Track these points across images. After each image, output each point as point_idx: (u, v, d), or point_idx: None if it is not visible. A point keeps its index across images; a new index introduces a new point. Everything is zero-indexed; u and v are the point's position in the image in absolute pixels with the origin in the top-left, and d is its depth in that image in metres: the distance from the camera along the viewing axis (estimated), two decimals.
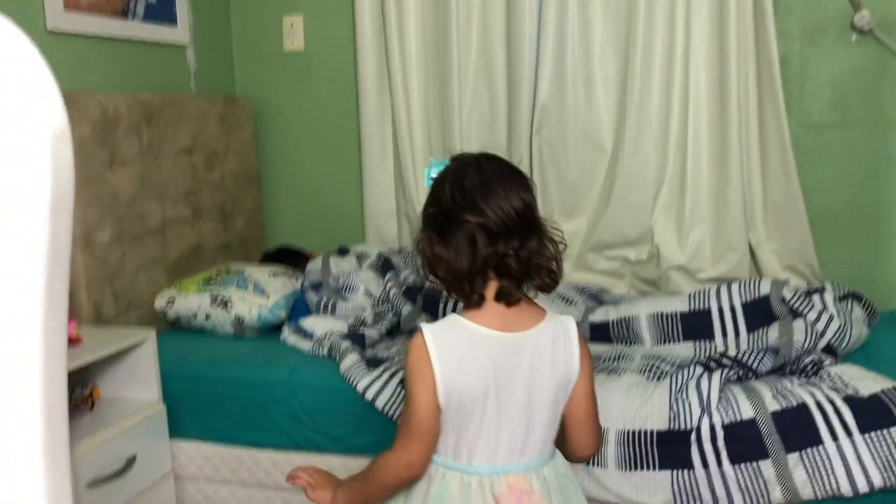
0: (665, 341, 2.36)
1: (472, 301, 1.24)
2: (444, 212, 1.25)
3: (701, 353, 2.26)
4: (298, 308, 2.80)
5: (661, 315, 2.39)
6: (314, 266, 2.86)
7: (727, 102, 2.75)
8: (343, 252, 3.01)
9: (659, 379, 2.04)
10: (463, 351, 1.24)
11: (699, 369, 1.99)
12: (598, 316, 2.48)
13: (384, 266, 2.85)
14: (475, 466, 1.28)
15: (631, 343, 2.40)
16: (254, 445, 2.33)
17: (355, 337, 2.41)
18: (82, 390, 2.30)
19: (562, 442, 1.38)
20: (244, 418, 2.32)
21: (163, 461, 2.36)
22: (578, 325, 1.48)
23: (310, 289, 2.78)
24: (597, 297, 2.69)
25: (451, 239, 1.22)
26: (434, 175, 1.37)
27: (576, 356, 1.30)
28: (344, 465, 2.23)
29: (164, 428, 2.36)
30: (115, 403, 2.33)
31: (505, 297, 1.24)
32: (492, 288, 1.24)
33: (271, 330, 2.70)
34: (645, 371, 2.09)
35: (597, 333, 2.44)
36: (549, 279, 1.27)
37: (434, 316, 2.55)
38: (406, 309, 2.65)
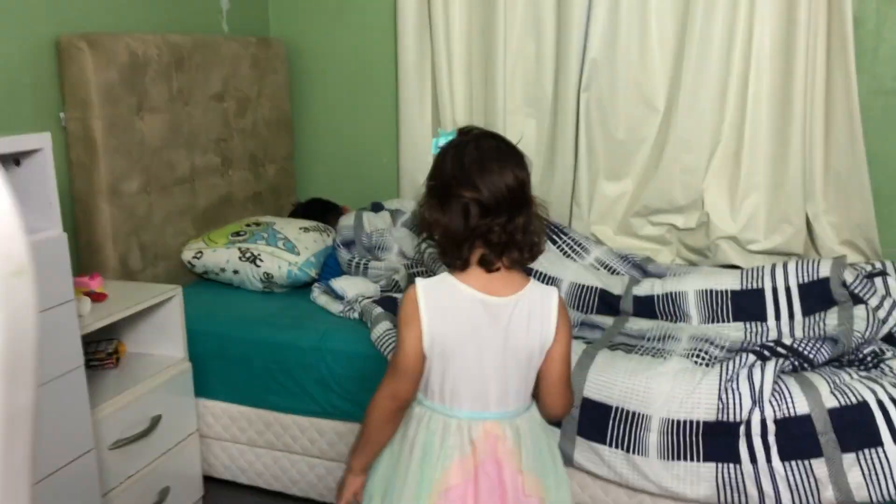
0: (713, 320, 2.24)
1: (456, 264, 1.40)
2: (444, 185, 1.38)
3: (752, 335, 2.13)
4: (329, 265, 2.71)
5: (711, 292, 2.26)
6: (346, 222, 2.76)
7: (793, 62, 2.55)
8: (377, 208, 2.90)
9: (708, 365, 1.92)
10: (447, 304, 1.39)
11: (751, 357, 1.87)
12: (643, 289, 2.35)
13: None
14: (456, 411, 1.42)
15: (677, 320, 2.28)
16: (281, 410, 2.27)
17: (387, 302, 2.31)
18: (107, 346, 2.25)
19: (537, 401, 1.50)
20: (272, 381, 2.26)
21: (188, 421, 2.32)
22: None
23: (342, 246, 2.68)
24: (641, 268, 2.56)
25: (448, 209, 1.36)
26: (441, 145, 1.46)
27: (552, 323, 1.41)
28: None
29: (189, 387, 2.30)
30: (140, 360, 2.28)
31: (485, 264, 1.38)
32: (476, 255, 1.38)
33: (301, 286, 2.62)
34: (693, 355, 1.97)
35: (641, 307, 2.32)
36: (528, 254, 1.40)
37: None
38: (441, 271, 2.53)
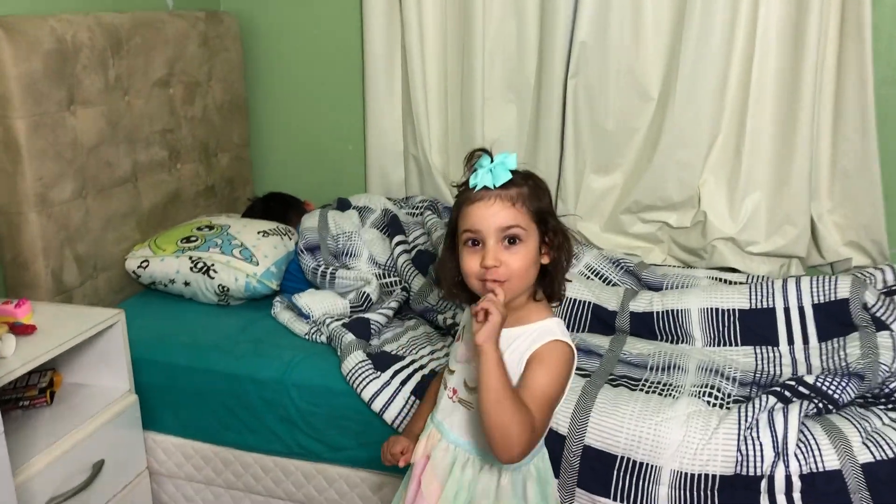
0: (720, 342, 2.03)
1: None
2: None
3: (764, 362, 1.93)
4: (292, 271, 2.44)
5: (716, 311, 2.05)
6: (309, 223, 2.48)
7: (801, 47, 2.31)
8: (343, 205, 2.63)
9: (722, 406, 1.72)
10: None
11: (772, 400, 1.67)
12: (641, 304, 2.13)
13: (391, 225, 2.48)
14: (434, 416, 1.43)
15: (679, 340, 2.07)
16: (241, 447, 2.03)
17: (359, 325, 2.06)
18: (40, 380, 1.98)
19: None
20: (230, 417, 2.01)
21: (136, 460, 2.06)
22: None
23: (305, 251, 2.41)
24: (635, 275, 2.34)
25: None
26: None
27: (525, 358, 1.29)
28: (345, 479, 1.95)
29: (136, 422, 2.05)
30: (78, 393, 2.01)
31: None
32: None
33: (260, 298, 2.35)
34: (703, 393, 1.76)
35: (639, 325, 2.11)
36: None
37: None
38: (417, 282, 2.29)
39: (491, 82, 2.66)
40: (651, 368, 1.92)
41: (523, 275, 1.29)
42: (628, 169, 2.63)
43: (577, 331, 2.15)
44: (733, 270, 2.48)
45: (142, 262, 2.35)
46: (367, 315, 2.13)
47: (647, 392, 1.78)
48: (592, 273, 2.33)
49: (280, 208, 2.69)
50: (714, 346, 2.04)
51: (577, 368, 1.87)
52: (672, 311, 2.09)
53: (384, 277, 2.36)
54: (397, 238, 2.42)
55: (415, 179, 2.87)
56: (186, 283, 2.31)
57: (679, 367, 1.90)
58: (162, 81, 2.50)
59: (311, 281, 2.39)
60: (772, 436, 1.60)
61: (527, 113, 2.66)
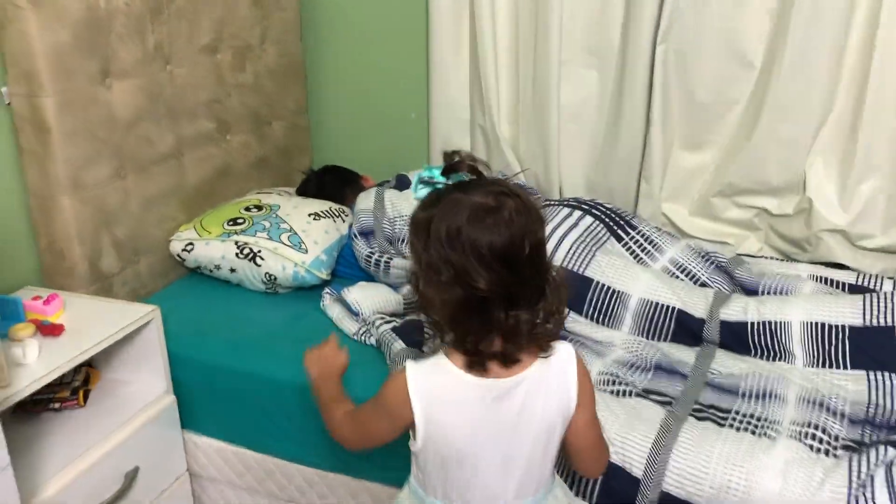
0: (825, 362, 1.75)
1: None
2: (447, 264, 1.12)
3: (879, 394, 1.65)
4: (345, 256, 2.26)
5: (822, 327, 1.77)
6: (364, 204, 2.27)
7: None
8: (402, 183, 2.40)
9: (828, 453, 1.46)
10: (449, 398, 1.18)
11: (892, 452, 1.40)
12: (734, 311, 1.86)
13: None
14: None
15: (776, 357, 1.80)
16: (283, 456, 1.88)
17: (410, 328, 1.86)
18: (74, 377, 1.86)
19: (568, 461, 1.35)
20: (270, 424, 1.86)
21: (175, 463, 1.94)
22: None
23: (359, 235, 2.21)
24: (728, 272, 2.06)
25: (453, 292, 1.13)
26: (426, 180, 1.24)
27: (573, 390, 1.21)
28: (390, 496, 1.77)
29: (175, 424, 1.92)
30: (113, 393, 1.89)
31: (505, 361, 1.18)
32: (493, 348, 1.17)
33: (311, 287, 2.18)
34: (806, 435, 1.50)
35: (730, 336, 1.84)
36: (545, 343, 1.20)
37: None
38: None
39: (569, 44, 2.37)
40: (743, 395, 1.66)
41: None
42: (723, 146, 2.32)
43: (659, 339, 1.90)
44: (841, 267, 2.17)
45: (186, 245, 2.19)
46: (421, 315, 1.92)
47: (738, 429, 1.53)
48: (678, 269, 2.06)
49: (336, 185, 2.49)
50: (818, 367, 1.76)
51: (657, 394, 1.64)
52: (770, 322, 1.81)
53: None
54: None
55: (482, 151, 2.62)
56: (232, 270, 2.15)
57: (777, 396, 1.64)
58: (208, 47, 2.30)
59: (364, 270, 2.19)
60: (890, 497, 1.34)
61: (609, 80, 2.36)
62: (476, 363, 1.15)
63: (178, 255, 2.21)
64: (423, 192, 1.17)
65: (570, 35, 2.36)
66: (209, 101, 2.32)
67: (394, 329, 1.86)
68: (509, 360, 1.15)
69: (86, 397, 1.84)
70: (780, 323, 1.80)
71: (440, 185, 1.17)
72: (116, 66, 1.99)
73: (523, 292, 1.10)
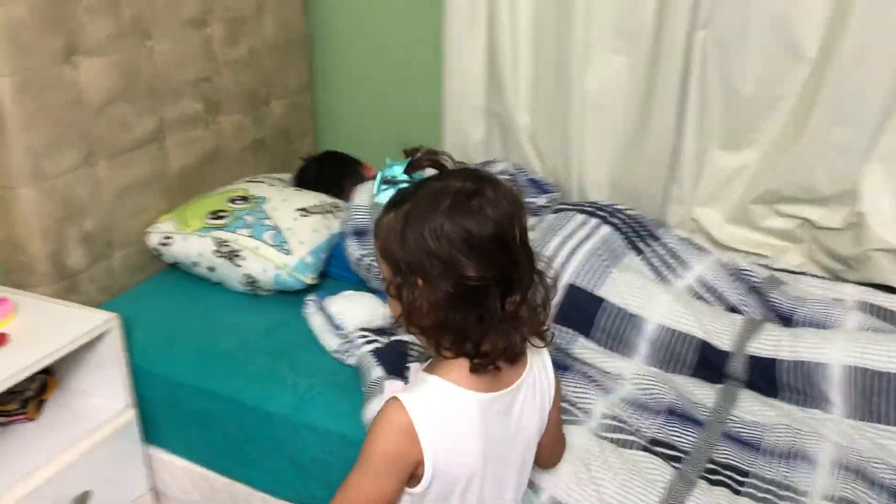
0: (868, 415, 1.50)
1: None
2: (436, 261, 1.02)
3: None
4: (337, 256, 2.06)
5: (868, 373, 1.52)
6: (360, 199, 2.06)
7: None
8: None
9: None
10: (458, 425, 1.05)
11: None
12: (764, 344, 1.62)
13: None
14: None
15: (809, 403, 1.56)
16: (251, 484, 1.71)
17: (392, 352, 1.65)
18: (28, 386, 1.70)
19: None
20: (236, 450, 1.68)
21: (134, 484, 1.78)
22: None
23: (352, 235, 2.00)
24: (761, 294, 1.81)
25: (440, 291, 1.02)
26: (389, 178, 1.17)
27: (553, 387, 1.17)
28: None
29: (135, 442, 1.76)
30: (70, 405, 1.74)
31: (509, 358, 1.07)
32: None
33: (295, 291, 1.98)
34: None
35: (758, 374, 1.61)
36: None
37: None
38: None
39: (595, 26, 2.10)
40: (766, 452, 1.43)
41: None
42: (766, 147, 2.05)
43: (676, 372, 1.67)
44: (893, 290, 1.90)
45: (164, 239, 2.01)
46: (407, 337, 1.71)
47: (757, 499, 1.30)
48: (705, 289, 1.81)
49: (334, 174, 2.29)
50: (860, 419, 1.51)
51: (666, 446, 1.42)
52: (805, 363, 1.57)
53: None
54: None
55: (497, 141, 2.38)
56: (211, 269, 1.97)
57: (806, 458, 1.40)
58: (196, 20, 2.09)
59: (355, 273, 1.99)
60: None
61: (639, 68, 2.10)
62: (481, 366, 1.03)
63: (155, 249, 2.03)
64: (388, 193, 1.08)
65: (597, 15, 2.09)
66: (196, 79, 2.12)
67: (376, 351, 1.65)
68: (514, 356, 1.06)
69: (39, 409, 1.69)
70: (818, 364, 1.56)
71: (404, 185, 1.08)
72: (85, 42, 1.80)
73: (517, 277, 1.01)
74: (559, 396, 1.21)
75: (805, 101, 1.94)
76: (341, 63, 2.56)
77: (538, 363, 1.15)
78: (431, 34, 2.36)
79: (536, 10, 2.18)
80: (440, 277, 0.98)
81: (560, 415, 1.27)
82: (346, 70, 2.56)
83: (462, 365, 1.03)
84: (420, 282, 1.00)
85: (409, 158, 1.10)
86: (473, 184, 1.00)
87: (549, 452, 1.28)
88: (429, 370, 1.07)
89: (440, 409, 1.04)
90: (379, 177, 1.04)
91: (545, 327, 1.09)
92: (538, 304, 1.05)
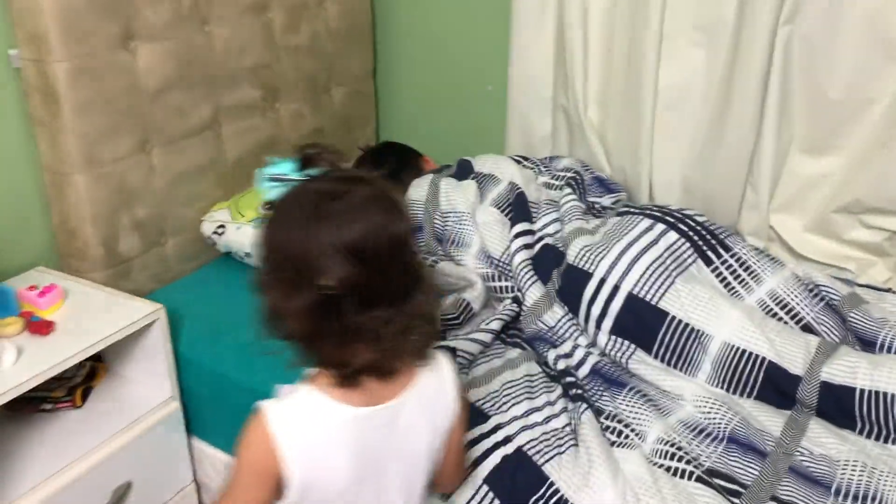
0: None
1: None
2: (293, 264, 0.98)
3: None
4: None
5: None
6: (417, 193, 2.00)
7: None
8: (463, 170, 2.10)
9: None
10: (327, 439, 1.00)
11: None
12: (839, 371, 1.49)
13: (516, 206, 1.94)
14: None
15: (889, 439, 1.43)
16: None
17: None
18: (77, 372, 1.70)
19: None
20: None
21: (178, 476, 1.77)
22: None
23: None
24: (839, 314, 1.68)
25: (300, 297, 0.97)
26: (273, 176, 1.01)
27: (455, 405, 1.11)
28: None
29: (179, 433, 1.74)
30: (116, 394, 1.73)
31: (378, 374, 1.01)
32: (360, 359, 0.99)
33: None
34: None
35: (831, 403, 1.48)
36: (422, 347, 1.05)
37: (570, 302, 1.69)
38: (533, 293, 1.76)
39: (673, 17, 1.97)
40: (838, 492, 1.31)
41: None
42: (854, 154, 1.89)
43: (742, 395, 1.55)
44: None
45: (218, 228, 1.99)
46: (456, 341, 1.64)
47: None
48: (778, 304, 1.68)
49: (393, 165, 2.22)
50: None
51: (725, 478, 1.32)
52: (886, 394, 1.44)
53: (495, 279, 1.84)
54: (519, 227, 1.88)
55: (563, 136, 2.28)
56: None
57: (883, 500, 1.28)
58: (256, 5, 2.05)
59: None
60: None
61: (718, 63, 1.96)
62: (347, 380, 0.98)
63: (209, 238, 2.01)
64: (276, 191, 1.00)
65: (675, 5, 1.96)
66: (255, 66, 2.08)
67: None
68: (384, 372, 1.00)
69: (84, 397, 1.69)
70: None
71: (294, 182, 1.00)
72: (142, 27, 1.77)
73: (380, 291, 0.95)
74: (465, 418, 1.16)
75: None
76: (406, 50, 2.49)
77: (432, 379, 1.08)
78: (499, 20, 2.26)
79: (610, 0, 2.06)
80: (296, 284, 0.93)
81: (463, 437, 1.20)
82: (411, 57, 2.49)
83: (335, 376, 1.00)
84: (281, 287, 0.95)
85: (302, 156, 1.02)
86: (343, 186, 0.95)
87: (448, 477, 1.23)
88: (307, 379, 1.03)
89: (306, 420, 1.00)
90: (264, 174, 1.00)
91: (429, 344, 1.04)
92: (417, 320, 0.98)
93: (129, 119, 1.78)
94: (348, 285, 0.92)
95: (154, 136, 1.86)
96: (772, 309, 1.68)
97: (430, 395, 1.07)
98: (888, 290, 1.86)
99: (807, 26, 1.78)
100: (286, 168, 1.00)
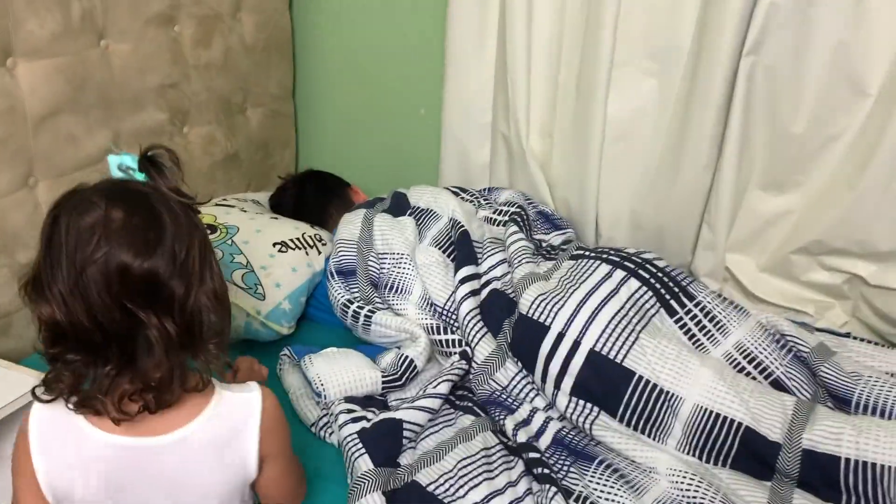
0: None
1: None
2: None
3: None
4: (319, 298, 1.78)
5: None
6: (348, 231, 1.79)
7: None
8: (399, 205, 1.90)
9: None
10: (70, 455, 0.95)
11: None
12: (822, 438, 1.36)
13: (459, 246, 1.76)
14: None
15: None
16: None
17: (383, 434, 1.37)
18: None
19: None
20: None
21: None
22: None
23: (335, 275, 1.73)
24: (810, 366, 1.56)
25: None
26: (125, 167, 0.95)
27: (253, 452, 1.00)
28: None
29: None
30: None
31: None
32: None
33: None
34: None
35: (814, 472, 1.35)
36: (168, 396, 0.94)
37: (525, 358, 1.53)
38: (484, 347, 1.58)
39: (625, 42, 1.83)
40: None
41: None
42: (815, 192, 1.79)
43: (719, 465, 1.41)
44: None
45: None
46: (401, 413, 1.43)
47: None
48: (745, 357, 1.55)
49: (318, 198, 2.00)
50: None
51: None
52: (873, 465, 1.32)
53: (439, 332, 1.65)
54: (463, 271, 1.69)
55: (503, 166, 2.11)
56: None
57: None
58: (161, 17, 1.80)
59: (341, 320, 1.72)
60: None
61: (672, 93, 1.83)
62: (77, 406, 0.92)
63: None
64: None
65: (628, 30, 1.82)
66: (161, 85, 1.83)
67: (361, 434, 1.37)
68: (150, 404, 0.91)
69: None
70: (888, 468, 1.31)
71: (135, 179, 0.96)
72: (24, 41, 1.50)
73: (118, 329, 0.88)
74: (279, 451, 1.06)
75: (864, 143, 1.68)
76: (329, 67, 2.27)
77: (224, 416, 0.99)
78: (433, 37, 2.08)
79: (556, 19, 1.91)
80: (37, 290, 0.89)
81: (288, 469, 1.11)
82: (335, 75, 2.27)
83: None
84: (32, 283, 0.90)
85: (145, 157, 0.96)
86: (95, 202, 0.88)
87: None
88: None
89: (58, 434, 0.95)
90: (113, 162, 0.94)
91: (204, 382, 0.96)
92: (162, 360, 0.90)
93: (8, 149, 1.51)
94: (56, 318, 0.86)
95: (40, 168, 1.58)
96: (739, 363, 1.56)
97: (221, 431, 0.98)
98: (847, 335, 1.77)
99: (773, 55, 1.66)
100: (131, 162, 0.95)
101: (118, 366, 0.89)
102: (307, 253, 1.77)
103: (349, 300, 1.69)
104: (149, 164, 0.96)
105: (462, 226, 1.79)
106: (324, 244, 1.83)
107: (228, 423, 0.99)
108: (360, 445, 1.34)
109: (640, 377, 1.46)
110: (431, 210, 1.87)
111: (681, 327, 1.59)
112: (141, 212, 0.89)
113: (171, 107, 1.87)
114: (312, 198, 1.99)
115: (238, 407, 1.00)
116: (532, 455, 1.38)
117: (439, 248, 1.78)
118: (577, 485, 1.35)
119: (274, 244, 1.74)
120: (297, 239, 1.78)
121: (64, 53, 1.58)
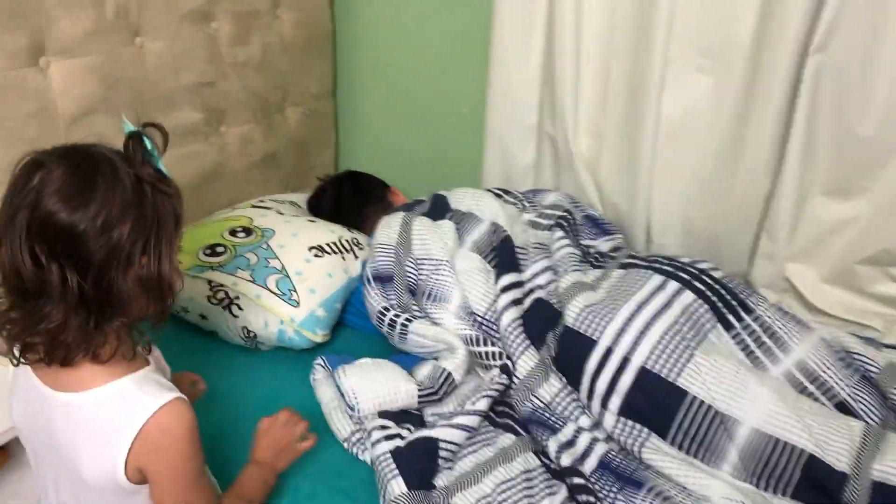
0: None
1: None
2: None
3: None
4: (355, 303, 1.72)
5: None
6: (385, 236, 1.72)
7: None
8: (439, 207, 1.83)
9: None
10: (20, 392, 1.06)
11: None
12: (890, 464, 1.26)
13: (501, 252, 1.68)
14: None
15: None
16: None
17: (418, 455, 1.30)
18: None
19: None
20: None
21: None
22: None
23: (372, 281, 1.66)
24: (880, 388, 1.45)
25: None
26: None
27: (121, 460, 0.97)
28: None
29: None
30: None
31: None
32: None
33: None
34: None
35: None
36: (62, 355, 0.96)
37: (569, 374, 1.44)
38: (526, 361, 1.51)
39: (678, 39, 1.74)
40: None
41: None
42: (883, 198, 1.67)
43: (778, 493, 1.31)
44: None
45: None
46: (437, 430, 1.36)
47: None
48: (808, 378, 1.45)
49: (356, 200, 1.94)
50: None
51: None
52: None
53: (478, 343, 1.57)
54: (506, 279, 1.61)
55: (548, 167, 2.03)
56: (203, 316, 1.64)
57: None
58: (197, 13, 1.75)
59: (377, 329, 1.65)
60: None
61: (730, 93, 1.73)
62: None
63: None
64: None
65: (682, 26, 1.72)
66: (196, 84, 1.78)
67: (395, 454, 1.31)
68: (47, 356, 0.95)
69: None
70: None
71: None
72: (56, 39, 1.47)
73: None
74: (165, 478, 1.00)
75: None
76: (370, 66, 2.21)
77: (114, 407, 0.97)
78: (478, 35, 2.00)
79: (607, 16, 1.81)
80: None
81: (170, 493, 1.02)
82: (376, 74, 2.21)
83: None
84: None
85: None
86: (51, 156, 0.92)
87: None
88: None
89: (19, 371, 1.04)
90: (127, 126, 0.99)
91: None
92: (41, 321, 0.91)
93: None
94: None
95: None
96: (801, 383, 1.45)
97: (108, 420, 0.97)
98: None
99: (841, 54, 1.55)
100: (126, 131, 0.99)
101: (25, 312, 0.91)
102: (343, 258, 1.71)
103: (385, 308, 1.62)
104: (132, 139, 0.99)
105: (504, 231, 1.71)
106: (361, 248, 1.77)
107: (116, 415, 0.97)
108: (393, 466, 1.27)
109: (694, 398, 1.36)
110: (472, 213, 1.79)
111: (738, 343, 1.48)
112: (82, 172, 0.91)
113: (207, 106, 1.83)
114: (350, 199, 1.93)
115: (130, 405, 0.98)
116: (577, 481, 1.30)
117: (480, 254, 1.70)
118: None
119: (310, 248, 1.68)
120: (334, 243, 1.72)
121: (97, 52, 1.54)
